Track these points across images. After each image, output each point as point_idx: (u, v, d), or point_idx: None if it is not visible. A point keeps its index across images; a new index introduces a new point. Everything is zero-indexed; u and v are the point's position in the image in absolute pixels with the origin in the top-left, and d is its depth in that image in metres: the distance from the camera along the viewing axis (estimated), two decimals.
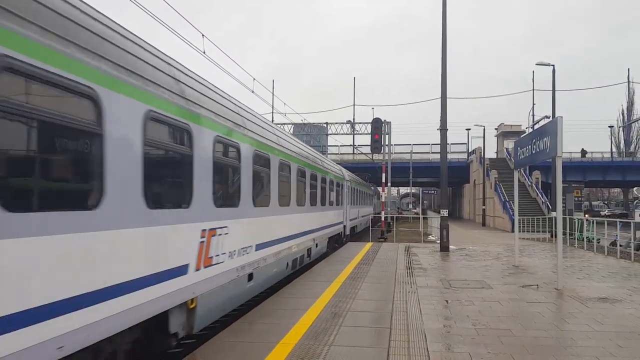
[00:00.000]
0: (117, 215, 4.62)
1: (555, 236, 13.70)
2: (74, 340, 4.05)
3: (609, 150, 68.69)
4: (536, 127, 33.82)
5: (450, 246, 18.63)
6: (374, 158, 40.35)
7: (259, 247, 8.93)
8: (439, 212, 22.51)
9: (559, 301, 9.24)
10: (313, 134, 54.30)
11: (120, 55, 4.81)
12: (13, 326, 3.44)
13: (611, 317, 7.88)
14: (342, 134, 49.06)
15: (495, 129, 62.74)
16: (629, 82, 76.60)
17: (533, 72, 55.72)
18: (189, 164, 6.10)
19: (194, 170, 6.20)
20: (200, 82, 7.07)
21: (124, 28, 5.27)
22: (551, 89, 29.89)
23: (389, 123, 34.72)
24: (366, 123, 44.16)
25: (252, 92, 23.15)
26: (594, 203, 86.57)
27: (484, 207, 46.52)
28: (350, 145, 51.78)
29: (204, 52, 14.48)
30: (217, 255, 6.93)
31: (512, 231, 20.07)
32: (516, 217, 15.97)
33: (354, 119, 53.33)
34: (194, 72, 7.08)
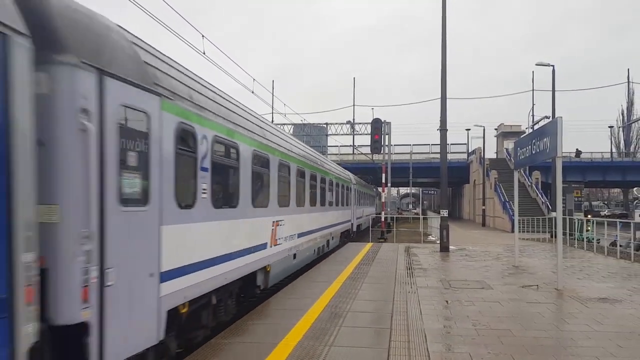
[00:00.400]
0: (243, 211, 7.84)
1: (555, 236, 13.70)
2: (229, 275, 7.23)
3: (609, 151, 68.73)
4: (536, 127, 33.84)
5: (450, 246, 18.63)
6: (373, 158, 40.36)
7: (299, 235, 12.40)
8: (439, 213, 22.50)
9: (559, 301, 9.26)
10: (313, 134, 54.28)
11: (245, 123, 8.22)
12: (226, 259, 7.11)
13: (611, 318, 7.89)
14: (342, 134, 49.20)
15: (495, 129, 62.63)
16: (628, 82, 76.53)
17: (533, 72, 55.86)
18: (268, 179, 9.41)
19: (270, 183, 9.54)
20: (268, 124, 10.40)
21: (240, 103, 8.83)
22: (551, 89, 29.95)
23: (388, 123, 34.65)
24: (366, 123, 44.21)
25: (252, 92, 23.18)
26: (593, 203, 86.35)
27: (483, 207, 46.47)
28: (350, 145, 51.76)
29: (204, 53, 14.51)
30: (279, 239, 10.28)
31: (512, 231, 20.07)
32: (516, 218, 15.99)
33: (353, 119, 53.32)
34: (264, 117, 10.23)
